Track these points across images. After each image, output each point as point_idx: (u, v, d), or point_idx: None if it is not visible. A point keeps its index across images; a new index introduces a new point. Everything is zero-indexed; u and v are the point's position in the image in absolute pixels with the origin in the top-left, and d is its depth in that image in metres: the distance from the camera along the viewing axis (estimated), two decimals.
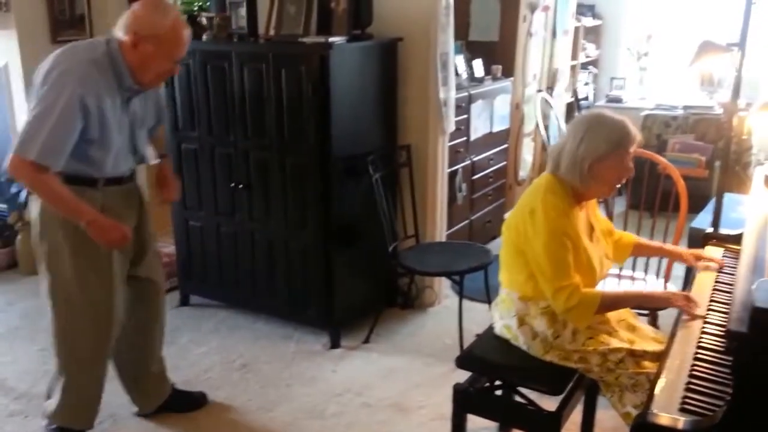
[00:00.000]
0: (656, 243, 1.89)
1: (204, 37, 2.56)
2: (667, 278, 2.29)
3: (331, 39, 2.34)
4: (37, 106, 1.60)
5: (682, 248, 1.87)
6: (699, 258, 1.76)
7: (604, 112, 1.61)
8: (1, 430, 2.02)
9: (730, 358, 1.19)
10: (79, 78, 1.61)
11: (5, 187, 3.21)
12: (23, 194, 3.12)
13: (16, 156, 1.59)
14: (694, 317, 1.48)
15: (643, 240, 1.85)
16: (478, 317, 2.58)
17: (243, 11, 2.58)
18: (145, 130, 1.88)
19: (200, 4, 3.13)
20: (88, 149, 1.68)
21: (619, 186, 1.65)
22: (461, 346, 2.39)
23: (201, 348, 2.52)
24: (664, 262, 2.27)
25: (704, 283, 1.65)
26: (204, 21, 2.59)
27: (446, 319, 2.70)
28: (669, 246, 1.88)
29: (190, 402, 2.12)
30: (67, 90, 1.59)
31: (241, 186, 2.54)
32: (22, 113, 3.17)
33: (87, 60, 1.65)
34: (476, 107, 3.19)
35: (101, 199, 1.74)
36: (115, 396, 2.04)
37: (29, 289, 3.03)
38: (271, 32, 2.59)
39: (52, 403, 1.88)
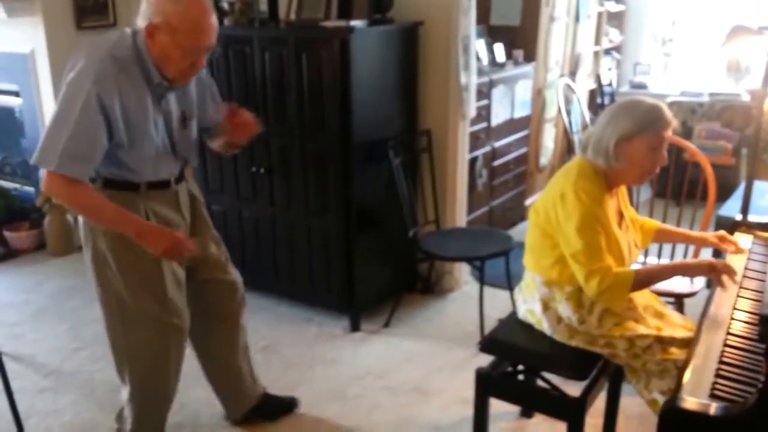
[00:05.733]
0: (679, 229, 1.86)
1: (225, 22, 2.57)
2: None
3: (352, 23, 2.33)
4: (55, 110, 1.48)
5: (705, 233, 1.84)
6: (723, 239, 1.73)
7: (641, 97, 1.59)
8: (32, 405, 2.08)
9: (762, 345, 1.18)
10: (96, 77, 1.45)
11: (32, 171, 3.28)
12: None
13: (48, 172, 1.46)
14: (732, 281, 1.46)
15: (666, 225, 1.83)
16: (499, 303, 2.57)
17: None
18: (190, 130, 1.69)
19: None
20: (119, 153, 1.54)
21: (649, 177, 1.61)
22: (482, 331, 2.40)
23: None
24: (691, 249, 2.24)
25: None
26: (225, 6, 2.60)
27: (466, 304, 2.70)
28: (691, 232, 1.86)
29: (281, 407, 2.02)
30: (83, 91, 1.44)
31: (262, 171, 2.56)
32: (49, 99, 3.23)
33: (108, 56, 1.48)
34: (497, 92, 3.15)
35: (145, 204, 1.61)
36: (197, 403, 2.05)
37: (57, 270, 3.11)
38: (292, 16, 2.59)
39: (125, 409, 1.79)
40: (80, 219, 1.66)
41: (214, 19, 1.51)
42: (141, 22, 1.51)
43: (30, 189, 3.38)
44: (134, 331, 1.67)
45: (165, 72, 1.53)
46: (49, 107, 3.24)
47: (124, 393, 1.77)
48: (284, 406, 2.03)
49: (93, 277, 1.66)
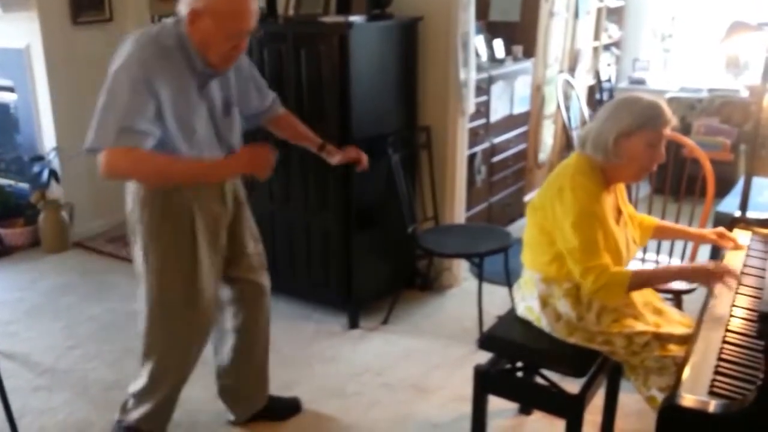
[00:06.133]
0: (677, 225, 1.86)
1: None
2: (692, 262, 2.25)
3: (351, 18, 2.32)
4: (103, 98, 1.47)
5: (704, 230, 1.84)
6: (722, 235, 1.73)
7: (641, 94, 1.58)
8: (26, 404, 2.06)
9: (761, 342, 1.17)
10: (143, 63, 1.46)
11: (27, 167, 3.26)
12: (45, 174, 3.17)
13: (103, 154, 1.43)
14: (734, 279, 1.47)
15: (665, 222, 1.83)
16: (497, 300, 2.57)
17: None
18: (233, 118, 1.69)
19: None
20: (168, 142, 1.53)
21: (647, 174, 1.61)
22: (481, 328, 2.39)
23: None
24: (689, 246, 2.24)
25: (732, 266, 1.62)
26: None
27: (465, 301, 2.70)
28: (690, 228, 1.86)
29: (285, 408, 2.00)
30: (130, 76, 1.45)
31: None
32: (44, 94, 3.20)
33: (152, 44, 1.49)
34: (496, 88, 3.14)
35: (192, 195, 1.60)
36: (194, 402, 2.02)
37: (52, 268, 3.09)
38: (291, 11, 2.57)
39: (130, 401, 1.78)
40: (128, 207, 1.63)
41: (254, 1, 1.52)
42: (183, 10, 1.50)
43: (24, 185, 3.36)
44: (166, 323, 1.67)
45: (207, 58, 1.53)
46: (44, 103, 3.22)
47: (138, 382, 1.75)
48: (289, 408, 2.02)
49: (138, 266, 1.67)
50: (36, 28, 3.07)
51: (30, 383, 2.19)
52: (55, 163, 3.21)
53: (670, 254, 2.26)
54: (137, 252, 1.66)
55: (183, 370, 1.76)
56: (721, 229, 1.76)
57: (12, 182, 3.45)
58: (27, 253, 3.23)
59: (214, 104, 1.62)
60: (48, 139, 3.27)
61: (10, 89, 3.33)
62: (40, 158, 3.22)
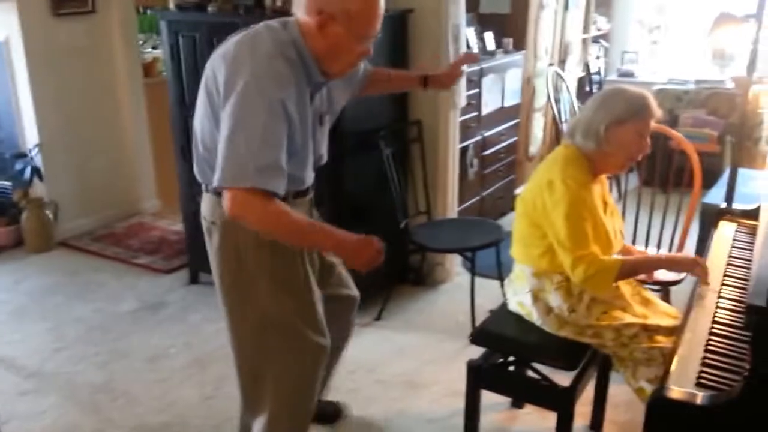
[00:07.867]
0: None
1: (209, 9, 2.50)
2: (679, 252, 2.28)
3: None
4: (233, 121, 1.27)
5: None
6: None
7: (626, 86, 1.60)
8: (12, 409, 2.02)
9: (747, 333, 1.19)
10: (277, 81, 1.29)
11: (9, 164, 3.19)
12: (28, 171, 3.11)
13: (234, 190, 1.27)
14: (707, 284, 1.49)
15: (631, 247, 1.81)
16: (490, 294, 2.57)
17: None
18: (325, 127, 1.53)
19: None
20: (288, 165, 1.34)
21: (632, 164, 1.63)
22: (473, 322, 2.40)
23: (214, 325, 2.52)
24: (677, 237, 2.26)
25: (718, 258, 1.64)
26: None
27: (458, 296, 2.70)
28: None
29: (332, 412, 1.94)
30: (264, 97, 1.27)
31: None
32: (24, 89, 3.13)
33: (279, 56, 1.31)
34: (487, 81, 3.13)
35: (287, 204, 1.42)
36: (185, 403, 2.01)
37: (36, 268, 3.03)
38: (278, 3, 2.52)
39: None
40: (215, 239, 1.47)
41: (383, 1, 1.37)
42: (301, 13, 1.34)
43: (6, 183, 3.28)
44: (285, 356, 1.51)
45: (330, 67, 1.37)
46: (25, 98, 3.15)
47: (258, 425, 1.57)
48: (335, 412, 1.97)
49: (232, 300, 1.50)
50: (15, 20, 2.99)
51: (16, 387, 2.15)
52: (38, 160, 3.15)
53: (658, 246, 2.29)
54: (232, 286, 1.48)
55: (312, 400, 1.58)
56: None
57: None
58: (10, 253, 3.16)
59: (316, 116, 1.47)
60: (30, 136, 3.20)
61: None
62: (22, 155, 3.15)
